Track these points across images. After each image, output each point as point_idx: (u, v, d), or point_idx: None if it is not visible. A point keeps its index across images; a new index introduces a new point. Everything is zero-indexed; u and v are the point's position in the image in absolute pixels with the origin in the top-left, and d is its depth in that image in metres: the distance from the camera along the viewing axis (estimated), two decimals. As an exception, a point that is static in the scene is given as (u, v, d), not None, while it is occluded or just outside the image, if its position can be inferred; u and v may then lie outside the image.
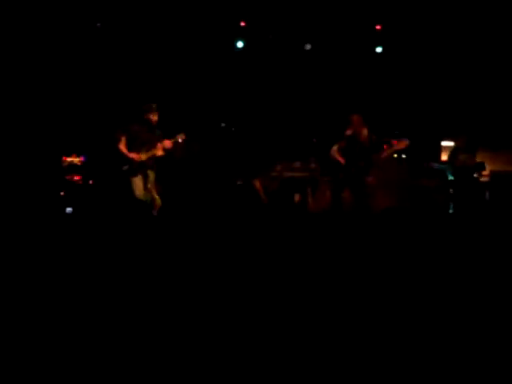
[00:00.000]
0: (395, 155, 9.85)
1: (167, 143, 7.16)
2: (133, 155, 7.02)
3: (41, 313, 3.52)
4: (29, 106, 8.82)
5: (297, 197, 9.25)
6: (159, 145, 7.12)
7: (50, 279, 4.37)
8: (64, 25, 8.78)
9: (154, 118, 7.12)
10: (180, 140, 7.28)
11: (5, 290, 4.07)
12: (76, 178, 9.54)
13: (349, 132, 7.55)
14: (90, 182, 9.52)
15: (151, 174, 7.19)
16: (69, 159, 9.56)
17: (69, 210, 8.79)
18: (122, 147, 7.03)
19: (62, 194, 9.25)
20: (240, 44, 10.61)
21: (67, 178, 9.50)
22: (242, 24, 10.41)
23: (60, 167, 9.50)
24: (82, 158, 9.56)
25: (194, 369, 2.72)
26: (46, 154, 9.18)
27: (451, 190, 8.60)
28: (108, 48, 9.91)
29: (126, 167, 7.06)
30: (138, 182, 7.09)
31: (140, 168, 7.07)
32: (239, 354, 2.89)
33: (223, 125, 10.02)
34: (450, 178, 8.62)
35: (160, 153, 7.18)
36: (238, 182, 9.58)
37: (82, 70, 9.57)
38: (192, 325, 3.32)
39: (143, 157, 7.04)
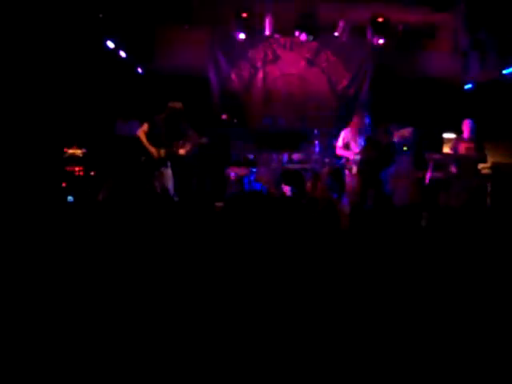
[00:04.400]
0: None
1: (189, 146, 7.15)
2: (152, 150, 6.96)
3: (42, 307, 3.52)
4: (30, 97, 8.81)
5: (287, 189, 9.24)
6: (181, 143, 7.06)
7: (50, 272, 4.37)
8: (64, 16, 8.74)
9: (178, 117, 7.08)
10: (203, 143, 7.25)
11: (6, 282, 4.07)
12: (77, 169, 9.54)
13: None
14: (92, 173, 9.53)
15: (167, 172, 7.18)
16: (70, 151, 9.56)
17: (70, 198, 8.83)
18: (142, 135, 6.95)
19: (63, 185, 9.27)
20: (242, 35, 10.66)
21: (68, 169, 9.50)
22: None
23: (61, 158, 9.50)
24: (83, 150, 9.56)
25: (193, 369, 2.72)
26: (47, 145, 9.17)
27: (453, 182, 8.56)
28: (110, 40, 9.89)
29: (143, 158, 6.99)
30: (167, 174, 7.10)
31: (157, 164, 7.01)
32: (239, 354, 2.90)
33: (224, 117, 10.01)
34: (453, 169, 8.58)
35: (181, 152, 7.13)
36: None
37: (83, 61, 9.55)
38: (192, 325, 3.32)
39: (162, 153, 6.96)
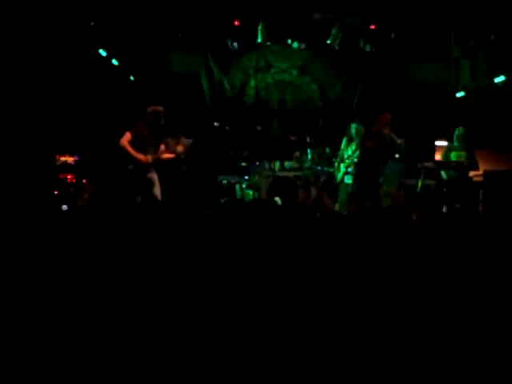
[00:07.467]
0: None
1: (178, 148, 7.18)
2: (140, 156, 6.90)
3: (37, 313, 3.49)
4: (22, 104, 8.77)
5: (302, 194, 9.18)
6: (163, 147, 7.08)
7: (44, 279, 4.34)
8: (57, 22, 8.73)
9: (160, 120, 7.04)
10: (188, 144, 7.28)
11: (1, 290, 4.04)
12: (69, 177, 9.51)
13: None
14: (84, 181, 9.51)
15: (154, 178, 7.12)
16: (62, 158, 9.54)
17: (64, 207, 8.79)
18: (127, 144, 6.86)
19: (55, 193, 9.24)
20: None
21: (60, 177, 9.47)
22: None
23: (53, 166, 9.46)
24: (75, 158, 9.54)
25: (193, 369, 2.70)
26: (39, 153, 9.14)
27: (445, 190, 8.58)
28: (101, 47, 9.88)
29: (130, 167, 6.94)
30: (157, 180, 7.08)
31: (145, 170, 6.97)
32: (239, 354, 2.88)
33: (217, 124, 10.01)
34: (444, 177, 8.60)
35: (166, 156, 7.14)
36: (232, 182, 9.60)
37: (75, 68, 9.52)
38: (191, 325, 3.30)
39: (150, 159, 6.92)
